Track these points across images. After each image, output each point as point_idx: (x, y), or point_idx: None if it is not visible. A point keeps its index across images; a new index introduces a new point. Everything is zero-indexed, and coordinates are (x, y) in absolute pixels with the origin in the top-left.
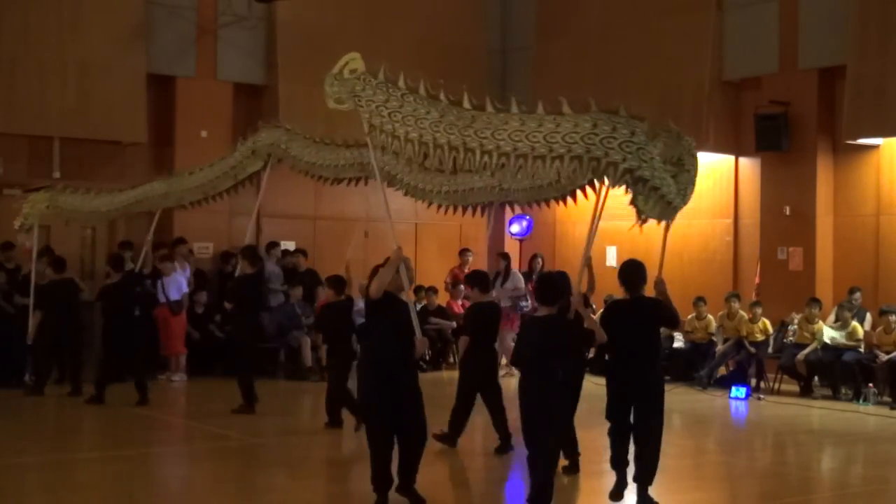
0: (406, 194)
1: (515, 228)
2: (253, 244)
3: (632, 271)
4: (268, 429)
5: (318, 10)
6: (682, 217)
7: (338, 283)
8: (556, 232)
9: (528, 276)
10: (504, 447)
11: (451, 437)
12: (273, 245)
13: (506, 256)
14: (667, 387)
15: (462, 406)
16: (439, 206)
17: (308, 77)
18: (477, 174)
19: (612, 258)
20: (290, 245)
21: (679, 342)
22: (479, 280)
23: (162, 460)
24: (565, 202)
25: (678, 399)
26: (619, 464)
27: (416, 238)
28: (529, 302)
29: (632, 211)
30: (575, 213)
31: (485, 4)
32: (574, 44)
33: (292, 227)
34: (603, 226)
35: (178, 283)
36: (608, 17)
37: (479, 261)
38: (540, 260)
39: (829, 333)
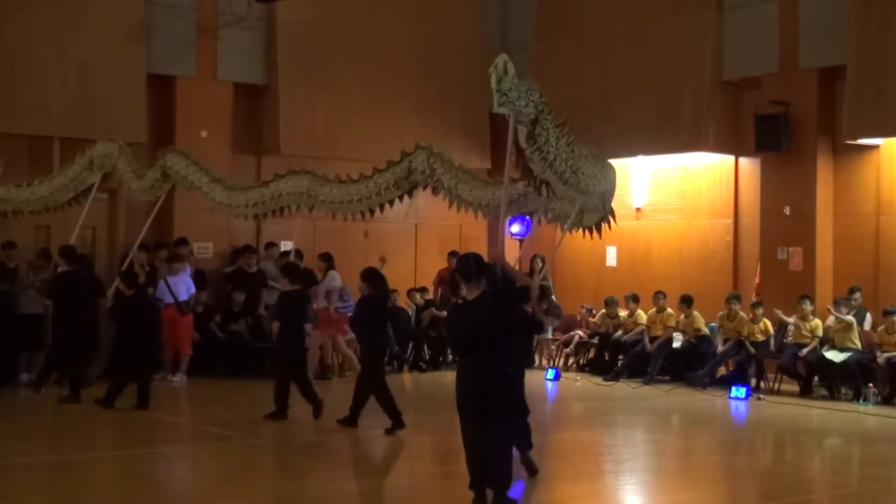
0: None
1: (515, 228)
2: (294, 262)
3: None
4: (268, 429)
5: (318, 11)
6: (681, 216)
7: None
8: (556, 231)
9: (528, 275)
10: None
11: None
12: (271, 245)
13: (325, 257)
14: (666, 387)
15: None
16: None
17: (308, 77)
18: None
19: (611, 258)
20: (288, 245)
21: (678, 342)
22: (367, 278)
23: (164, 461)
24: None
25: (678, 399)
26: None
27: (416, 238)
28: (351, 302)
29: (631, 213)
30: None
31: (485, 4)
32: (574, 44)
33: (291, 227)
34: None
35: (186, 284)
36: (608, 17)
37: None
38: (540, 261)
39: (829, 355)
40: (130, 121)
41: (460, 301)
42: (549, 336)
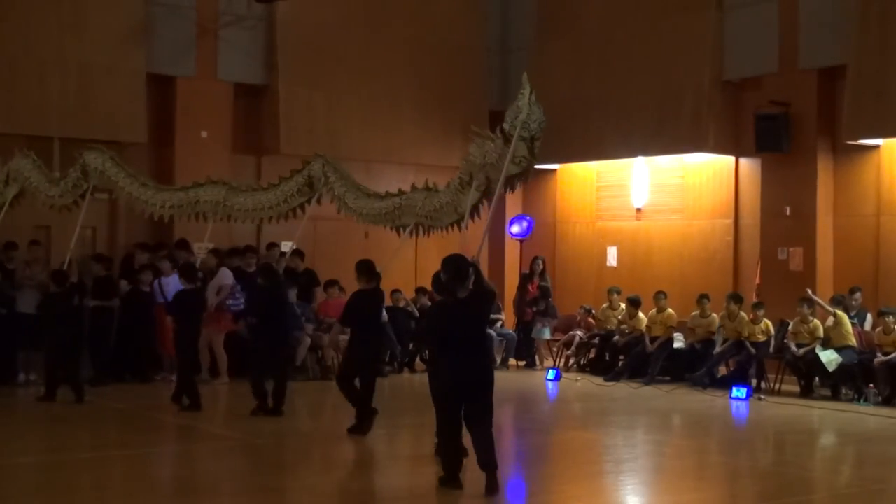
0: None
1: (515, 229)
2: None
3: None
4: (267, 429)
5: (318, 10)
6: (682, 217)
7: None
8: (556, 232)
9: (528, 277)
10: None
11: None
12: (272, 245)
13: (216, 254)
14: (667, 387)
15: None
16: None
17: (308, 77)
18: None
19: (612, 258)
20: (288, 245)
21: (679, 343)
22: (363, 269)
23: (162, 460)
24: None
25: (678, 399)
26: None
27: (417, 239)
28: (241, 300)
29: (631, 213)
30: (575, 213)
31: (485, 4)
32: (574, 43)
33: (292, 227)
34: (603, 226)
35: (176, 284)
36: (608, 16)
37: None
38: (541, 262)
39: (826, 357)
40: (130, 121)
41: (447, 300)
42: (548, 336)
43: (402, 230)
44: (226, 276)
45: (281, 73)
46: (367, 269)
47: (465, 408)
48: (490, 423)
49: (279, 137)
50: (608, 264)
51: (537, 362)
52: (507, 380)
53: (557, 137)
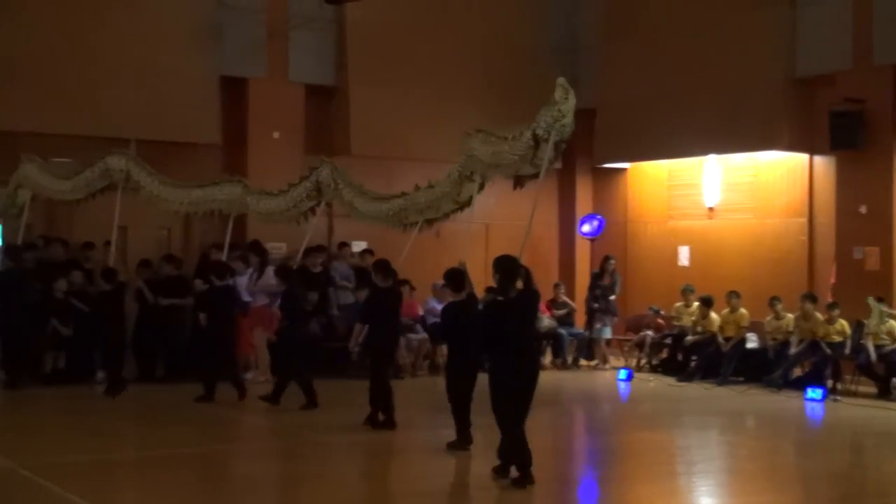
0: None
1: (586, 228)
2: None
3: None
4: (335, 426)
5: (388, 12)
6: (755, 216)
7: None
8: (627, 232)
9: (598, 276)
10: (460, 443)
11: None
12: (343, 245)
13: (261, 252)
14: (740, 388)
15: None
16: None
17: (377, 78)
18: None
19: (684, 258)
20: (360, 245)
21: (753, 343)
22: (450, 279)
23: (231, 458)
24: None
25: (752, 401)
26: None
27: (487, 238)
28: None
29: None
30: (646, 212)
31: (553, 3)
32: (644, 41)
33: (363, 226)
34: (675, 226)
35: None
36: (678, 13)
37: (547, 261)
38: (613, 262)
39: None
40: (204, 122)
41: (500, 299)
42: (608, 336)
43: (410, 228)
44: (269, 276)
45: (351, 74)
46: (383, 268)
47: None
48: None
49: (349, 138)
50: (680, 264)
51: (599, 361)
52: (579, 380)
53: (628, 136)
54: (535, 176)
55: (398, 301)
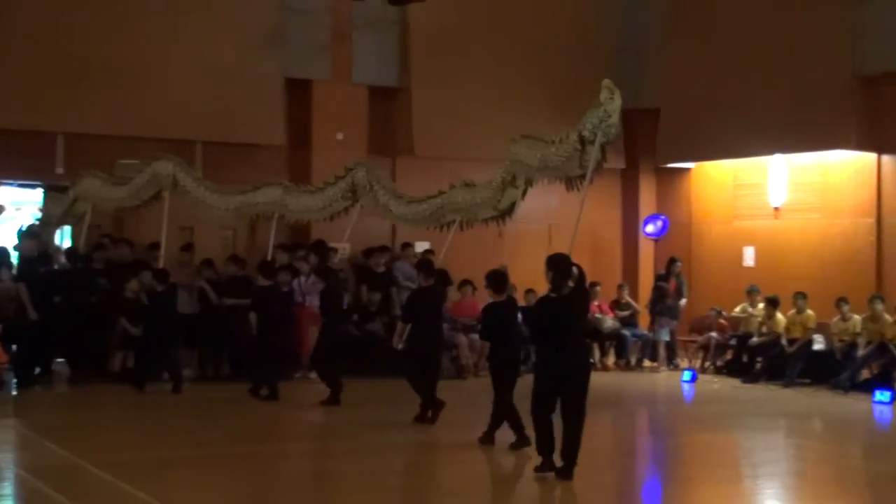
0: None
1: (650, 228)
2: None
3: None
4: (399, 428)
5: (450, 13)
6: (822, 216)
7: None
8: (691, 232)
9: (663, 277)
10: (520, 442)
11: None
12: (406, 245)
13: (321, 252)
14: (807, 390)
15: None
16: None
17: (441, 79)
18: None
19: (749, 258)
20: (424, 245)
21: (819, 345)
22: (493, 280)
23: (293, 457)
24: None
25: (819, 403)
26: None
27: (550, 239)
28: (345, 300)
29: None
30: (711, 212)
31: (616, 2)
32: (707, 40)
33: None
34: (740, 226)
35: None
36: (742, 11)
37: (610, 262)
38: (679, 264)
39: None
40: (268, 124)
41: (552, 296)
42: (666, 338)
43: (445, 228)
44: None
45: (414, 75)
46: (426, 267)
47: (561, 400)
48: (582, 418)
49: (412, 139)
50: (745, 264)
51: (660, 363)
52: (642, 381)
53: (691, 136)
54: (583, 177)
55: (440, 300)
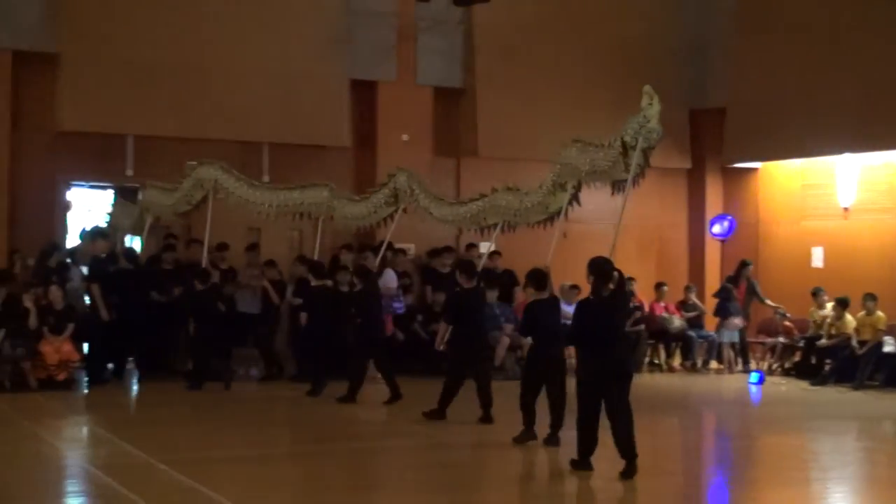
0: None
1: (717, 229)
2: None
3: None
4: (464, 429)
5: (515, 13)
6: (893, 216)
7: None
8: (758, 233)
9: (734, 279)
10: (553, 438)
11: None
12: (471, 246)
13: (375, 252)
14: (877, 393)
15: (524, 397)
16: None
17: (505, 79)
18: None
19: (817, 259)
20: (487, 245)
21: (890, 346)
22: (533, 278)
23: (358, 456)
24: None
25: (889, 405)
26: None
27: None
28: (402, 303)
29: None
30: (778, 213)
31: (683, 1)
32: (774, 38)
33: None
34: (808, 226)
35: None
36: (812, 8)
37: (676, 263)
38: (750, 267)
39: None
40: (334, 125)
41: (592, 298)
42: (727, 339)
43: (487, 230)
44: (391, 279)
45: (479, 76)
46: (467, 269)
47: (605, 401)
48: (630, 414)
49: (477, 140)
50: (813, 265)
51: (725, 365)
52: (708, 383)
53: (759, 135)
54: (632, 182)
55: (480, 302)
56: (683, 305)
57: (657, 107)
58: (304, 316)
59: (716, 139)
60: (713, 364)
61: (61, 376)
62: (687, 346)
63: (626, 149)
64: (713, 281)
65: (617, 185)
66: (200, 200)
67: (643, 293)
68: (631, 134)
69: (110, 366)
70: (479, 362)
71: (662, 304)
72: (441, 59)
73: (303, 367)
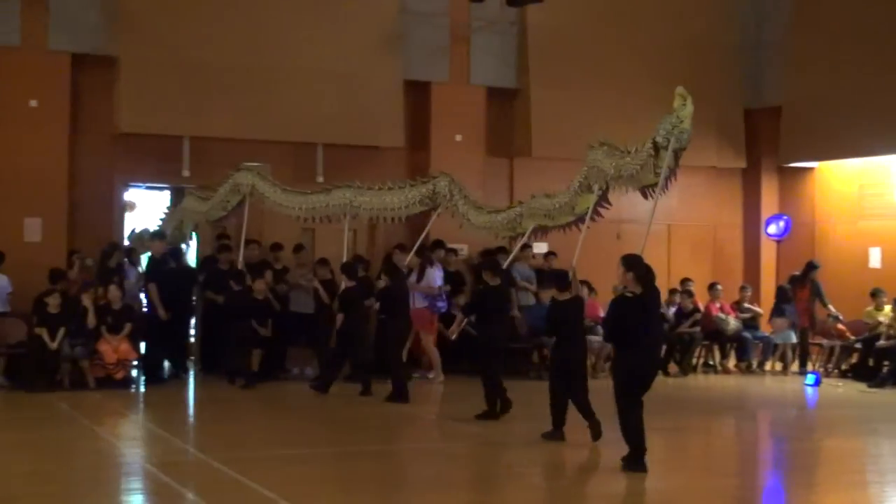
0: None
1: (773, 229)
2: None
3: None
4: (515, 430)
5: (568, 13)
6: None
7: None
8: (814, 232)
9: (799, 280)
10: (596, 433)
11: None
12: (526, 247)
13: (421, 253)
14: None
15: (553, 397)
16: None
17: (559, 79)
18: None
19: (875, 260)
20: (542, 247)
21: None
22: (555, 279)
23: (406, 456)
24: None
25: None
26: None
27: (669, 239)
28: (446, 302)
29: None
30: (835, 213)
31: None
32: (831, 36)
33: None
34: (866, 226)
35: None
36: (868, 4)
37: (731, 263)
38: (817, 270)
39: None
40: (389, 126)
41: (629, 294)
42: (783, 340)
43: (521, 236)
44: (433, 278)
45: (532, 77)
46: (493, 267)
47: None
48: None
49: (531, 140)
50: (870, 266)
51: (782, 367)
52: (764, 384)
53: (816, 134)
54: (656, 185)
55: (504, 301)
56: (738, 306)
57: (690, 108)
58: (339, 317)
59: (771, 139)
60: (768, 365)
61: (119, 375)
62: (742, 346)
63: (657, 150)
64: (769, 281)
65: (645, 191)
66: (236, 205)
67: (699, 295)
68: (663, 135)
69: (167, 364)
70: (489, 357)
71: (718, 305)
72: (494, 60)
73: (355, 367)
